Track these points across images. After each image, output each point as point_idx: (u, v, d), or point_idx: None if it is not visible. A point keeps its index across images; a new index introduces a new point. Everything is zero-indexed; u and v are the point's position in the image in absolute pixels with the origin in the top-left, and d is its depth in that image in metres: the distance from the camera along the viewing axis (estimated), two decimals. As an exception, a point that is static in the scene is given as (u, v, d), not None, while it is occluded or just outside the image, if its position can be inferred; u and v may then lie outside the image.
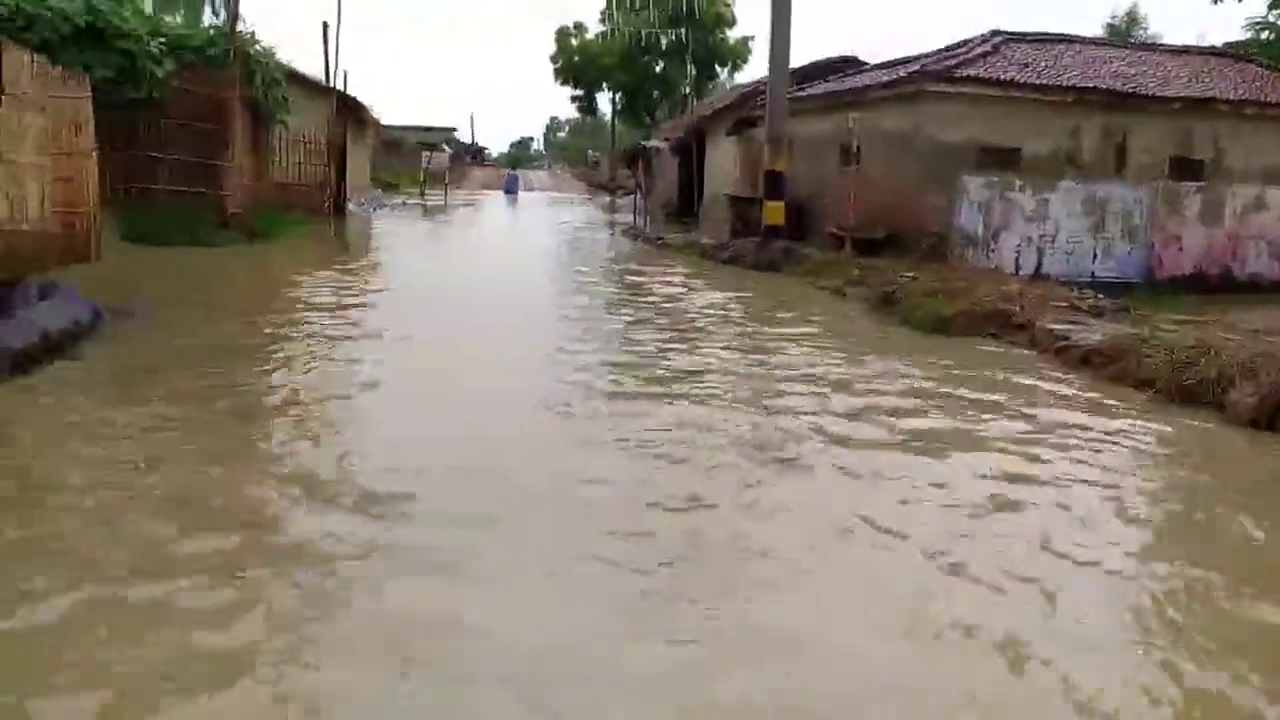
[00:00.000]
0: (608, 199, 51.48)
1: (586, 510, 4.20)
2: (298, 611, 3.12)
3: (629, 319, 9.50)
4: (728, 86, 44.29)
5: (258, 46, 16.08)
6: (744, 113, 21.51)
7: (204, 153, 14.91)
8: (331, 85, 24.43)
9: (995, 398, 6.51)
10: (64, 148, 11.28)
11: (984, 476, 4.81)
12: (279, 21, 78.20)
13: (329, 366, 6.92)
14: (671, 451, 5.03)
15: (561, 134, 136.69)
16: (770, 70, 15.46)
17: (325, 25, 24.86)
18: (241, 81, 15.57)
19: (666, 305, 10.51)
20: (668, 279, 13.05)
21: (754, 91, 22.84)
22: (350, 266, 13.78)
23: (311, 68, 24.64)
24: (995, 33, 17.41)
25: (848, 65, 21.10)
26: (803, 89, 20.30)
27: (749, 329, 9.09)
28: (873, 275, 11.66)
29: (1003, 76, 15.10)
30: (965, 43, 17.22)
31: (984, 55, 15.96)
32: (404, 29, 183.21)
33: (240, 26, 15.66)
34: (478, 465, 4.75)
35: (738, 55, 48.64)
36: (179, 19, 15.41)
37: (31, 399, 5.42)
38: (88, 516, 3.80)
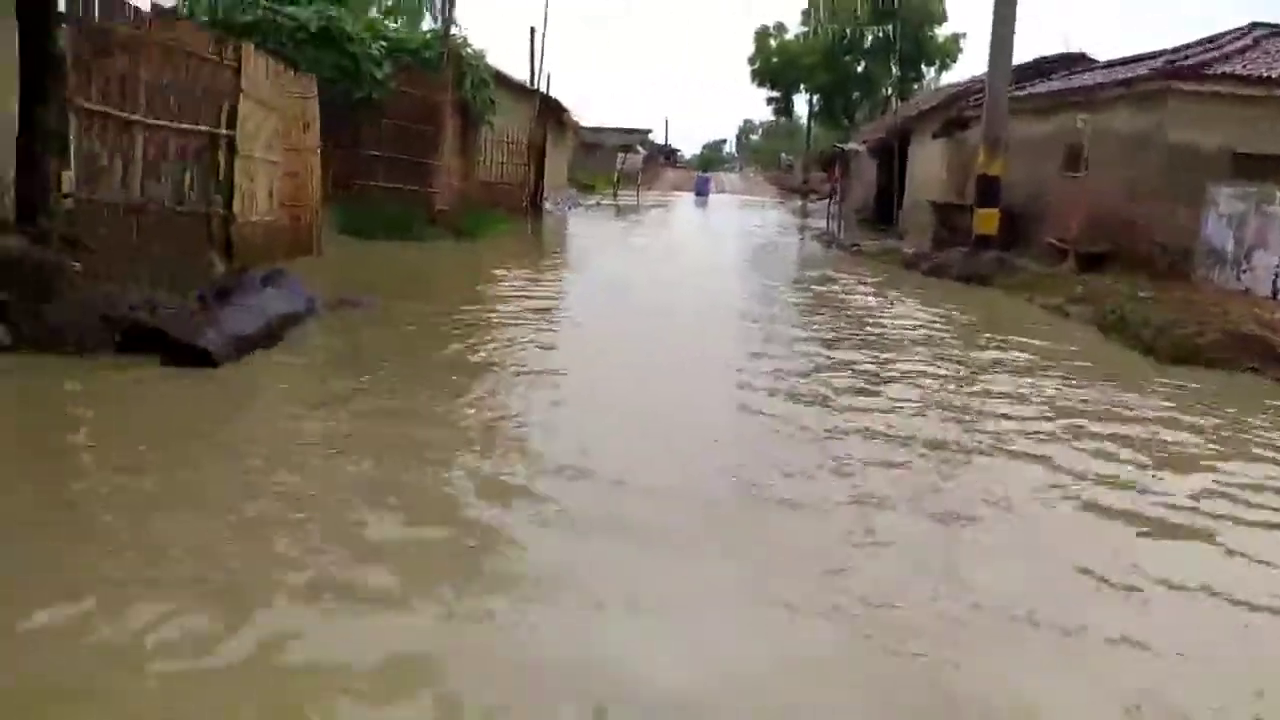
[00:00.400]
0: (799, 203, 50.43)
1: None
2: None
3: (822, 332, 8.97)
4: (933, 87, 42.18)
5: (469, 50, 16.75)
6: (954, 113, 20.22)
7: (417, 152, 15.68)
8: (535, 88, 25.25)
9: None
10: (293, 144, 12.12)
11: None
12: (486, 26, 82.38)
13: (540, 361, 6.96)
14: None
15: (755, 136, 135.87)
16: (990, 65, 14.33)
17: (532, 30, 25.76)
18: (453, 84, 16.25)
19: (864, 319, 9.86)
20: (864, 289, 12.35)
21: (965, 91, 21.45)
22: (549, 264, 14.05)
23: (516, 70, 25.63)
24: (1254, 25, 15.33)
25: (1072, 63, 19.33)
26: (1021, 87, 18.79)
27: (955, 350, 8.28)
28: (1100, 293, 10.46)
29: (1265, 74, 13.23)
30: (1217, 37, 15.28)
31: (1241, 50, 14.07)
32: (605, 32, 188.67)
33: (453, 31, 16.35)
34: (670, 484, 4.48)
35: (946, 54, 46.22)
36: (399, 23, 16.19)
37: (275, 374, 5.73)
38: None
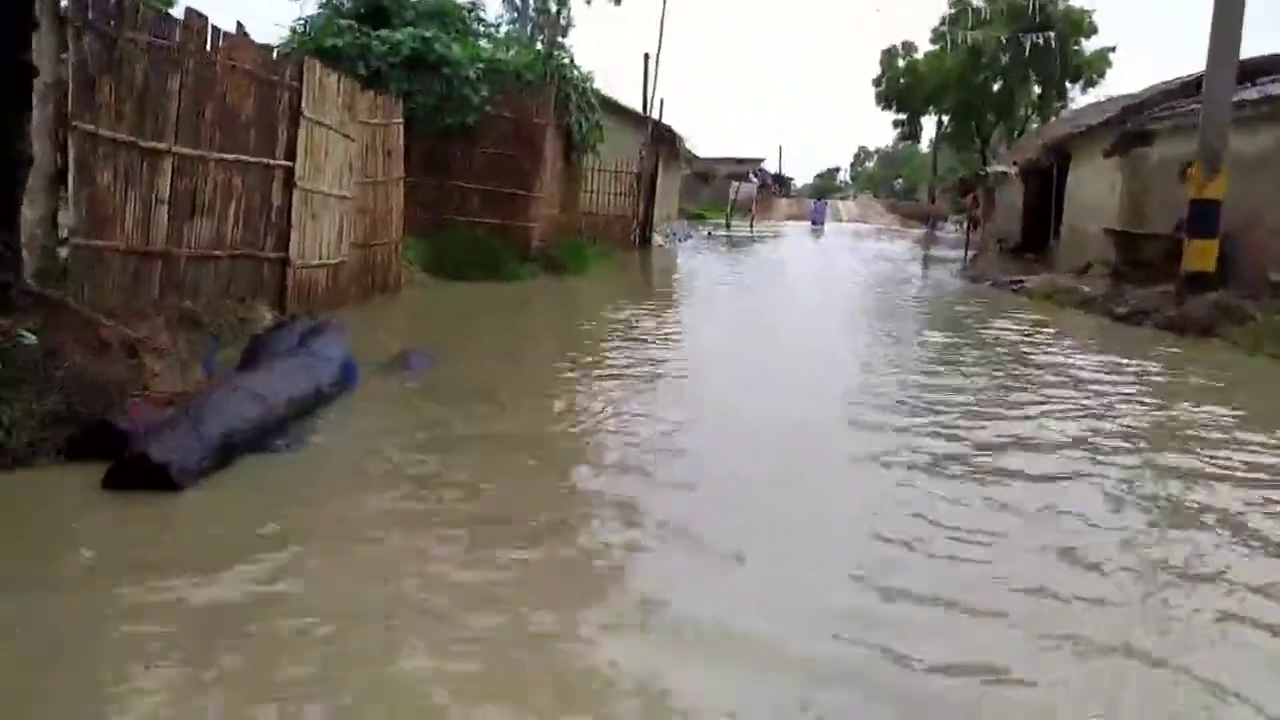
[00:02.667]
0: (921, 231, 47.13)
1: None
2: None
3: (1024, 419, 6.67)
4: (1074, 106, 38.55)
5: (575, 72, 15.15)
6: (1131, 127, 17.36)
7: (514, 182, 14.14)
8: (648, 115, 23.66)
9: None
10: (371, 176, 10.71)
11: None
12: (598, 56, 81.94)
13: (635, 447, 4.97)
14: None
15: (869, 163, 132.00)
16: (1210, 63, 11.60)
17: (646, 56, 24.28)
18: (555, 107, 14.69)
19: (1059, 392, 7.45)
20: (1042, 344, 9.80)
21: (1143, 103, 18.52)
22: (656, 310, 12.08)
23: (629, 99, 24.12)
24: None
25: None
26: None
27: (1233, 443, 5.79)
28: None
29: None
30: None
31: None
32: (719, 59, 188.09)
33: (557, 52, 14.81)
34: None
35: (1094, 69, 42.39)
36: (509, 53, 14.75)
37: (254, 511, 3.95)
38: None
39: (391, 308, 10.60)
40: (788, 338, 10.11)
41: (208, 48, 7.17)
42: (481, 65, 13.74)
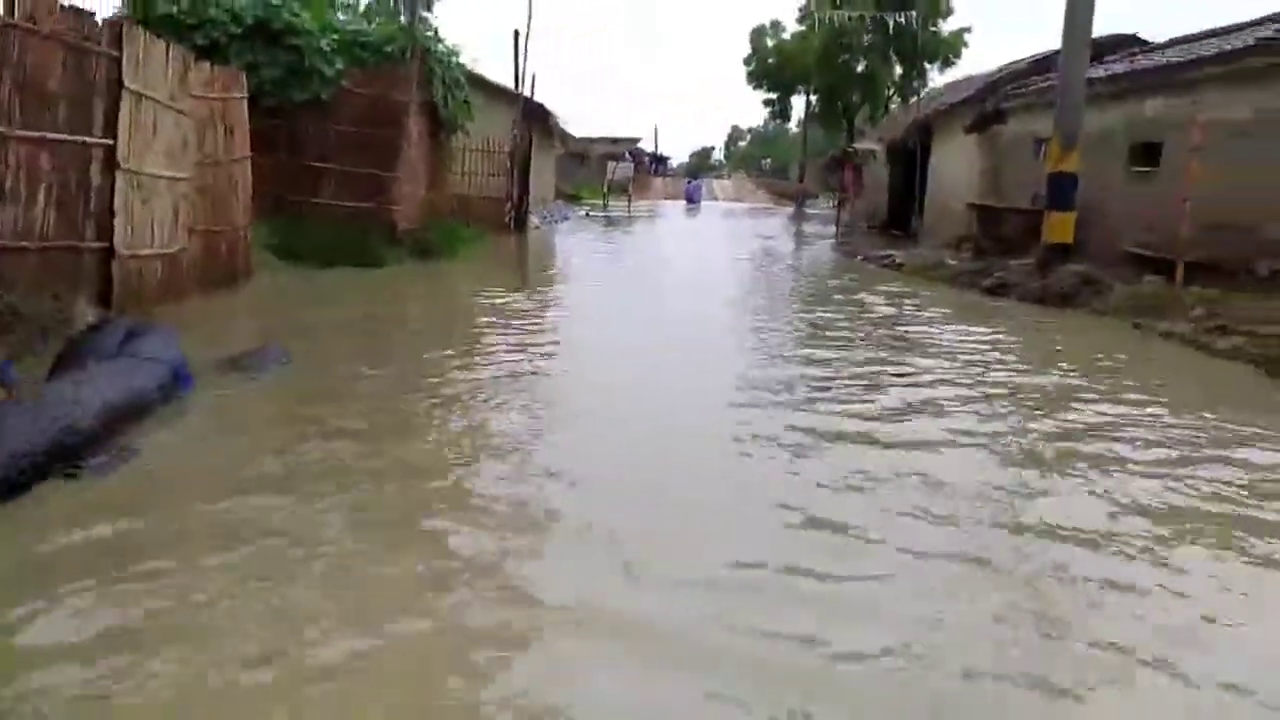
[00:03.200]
0: (792, 208, 48.12)
1: None
2: None
3: (919, 390, 6.65)
4: (934, 86, 40.00)
5: (440, 46, 14.38)
6: (989, 106, 17.98)
7: (374, 162, 13.32)
8: (519, 91, 22.97)
9: None
10: (210, 155, 9.81)
11: None
12: (468, 36, 79.70)
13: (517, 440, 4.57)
14: None
15: (743, 143, 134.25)
16: (1065, 38, 11.95)
17: (516, 33, 23.53)
18: (420, 83, 13.93)
19: (935, 363, 7.53)
20: (914, 318, 9.96)
21: (997, 81, 19.21)
22: (532, 293, 11.66)
23: (501, 76, 23.35)
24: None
25: (1126, 45, 17.09)
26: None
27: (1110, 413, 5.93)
28: (1235, 316, 8.17)
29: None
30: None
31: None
32: (593, 42, 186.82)
33: (422, 25, 14.01)
34: None
35: (951, 49, 44.10)
36: (372, 25, 13.78)
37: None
38: None
39: (240, 299, 9.77)
40: (668, 320, 9.90)
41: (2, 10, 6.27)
42: (336, 36, 12.84)
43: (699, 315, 10.36)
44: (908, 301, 11.07)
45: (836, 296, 12.11)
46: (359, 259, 12.67)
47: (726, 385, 6.46)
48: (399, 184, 13.67)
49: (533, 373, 6.76)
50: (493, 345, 7.87)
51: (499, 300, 10.89)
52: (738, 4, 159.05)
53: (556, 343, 8.14)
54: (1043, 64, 19.02)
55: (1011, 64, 20.17)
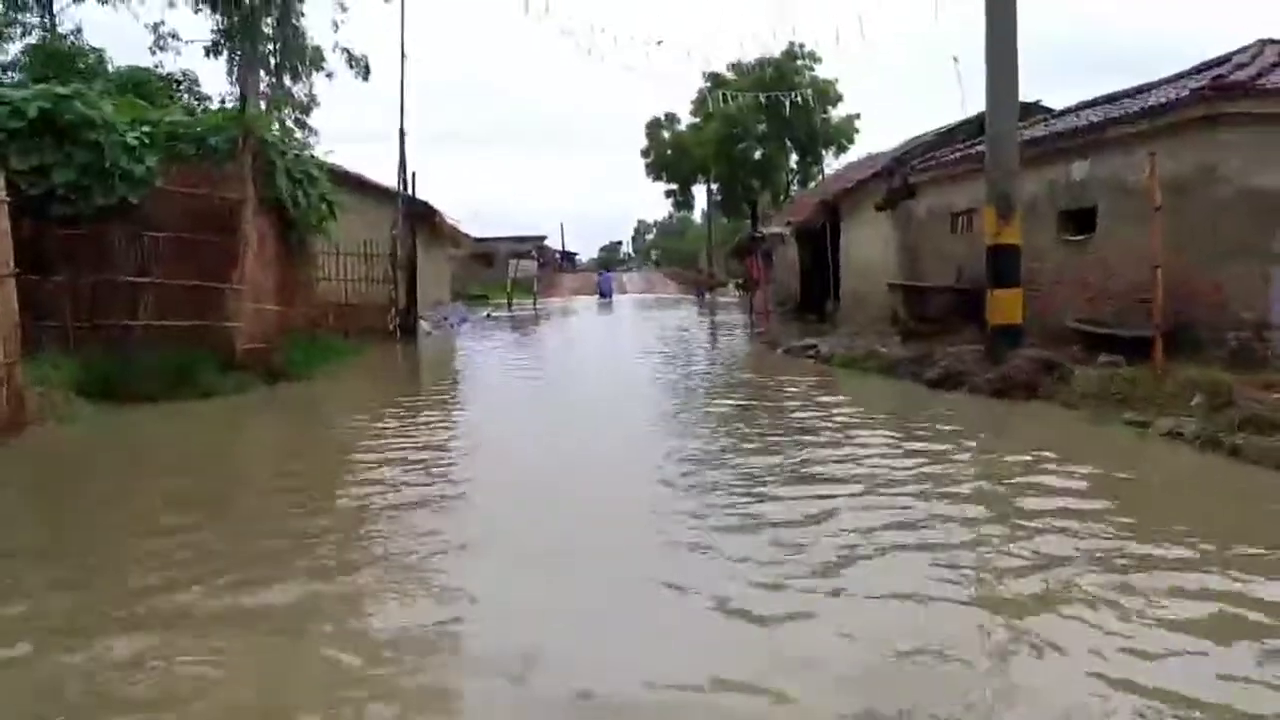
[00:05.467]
0: (702, 297, 47.13)
1: None
2: None
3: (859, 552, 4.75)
4: (832, 169, 40.09)
5: (273, 133, 12.37)
6: (897, 181, 16.97)
7: (204, 273, 11.13)
8: (400, 190, 21.19)
9: None
10: (-58, 277, 7.56)
11: None
12: (358, 139, 78.16)
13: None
14: None
15: (649, 235, 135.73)
16: (990, 103, 10.67)
17: (402, 131, 21.96)
18: (258, 178, 11.92)
19: (907, 502, 5.68)
20: (858, 433, 8.05)
21: (906, 155, 18.36)
22: (406, 416, 9.49)
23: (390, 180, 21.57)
24: (1265, 42, 12.53)
25: (1032, 113, 16.36)
26: (970, 145, 15.75)
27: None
28: (1248, 405, 6.64)
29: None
30: (1223, 58, 12.37)
31: (1273, 66, 11.05)
32: (497, 142, 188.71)
33: (258, 109, 12.07)
34: None
35: (843, 135, 44.73)
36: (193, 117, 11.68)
37: None
38: None
39: (6, 457, 7.37)
40: (574, 450, 7.80)
41: None
42: (147, 129, 10.79)
43: (599, 421, 8.38)
44: (852, 407, 9.20)
45: (764, 398, 10.29)
46: (186, 390, 10.37)
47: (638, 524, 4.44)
48: (236, 297, 11.48)
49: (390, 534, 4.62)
50: (310, 498, 5.70)
51: (353, 426, 8.73)
52: (634, 99, 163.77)
53: (422, 499, 6.00)
54: (948, 136, 18.32)
55: (916, 138, 19.47)
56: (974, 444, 7.21)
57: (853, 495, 5.61)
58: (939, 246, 15.83)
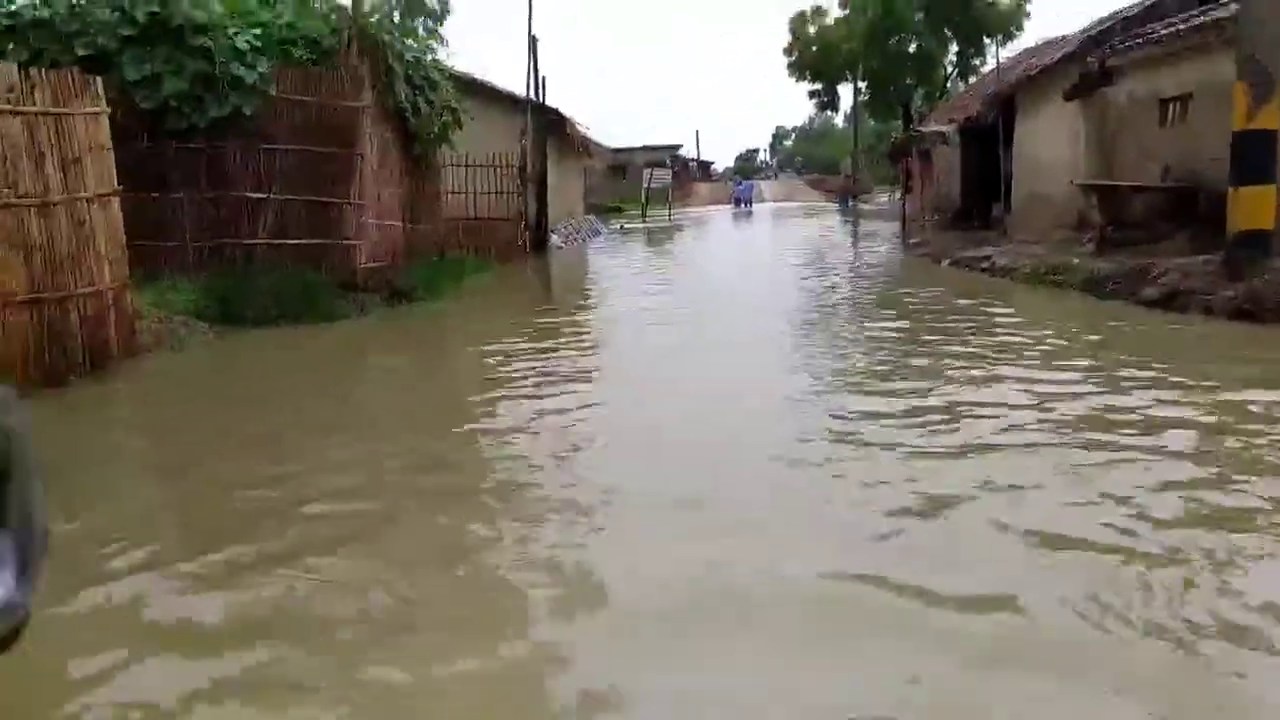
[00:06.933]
0: (847, 204, 44.21)
1: None
2: None
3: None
4: (993, 64, 35.98)
5: (390, 36, 11.33)
6: (1092, 64, 14.50)
7: (323, 188, 10.50)
8: (529, 99, 20.14)
9: None
10: (35, 193, 7.13)
11: None
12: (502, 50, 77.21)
13: None
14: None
15: (788, 142, 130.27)
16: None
17: (532, 39, 20.76)
18: (378, 85, 11.10)
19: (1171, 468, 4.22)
20: (1129, 372, 6.20)
21: (1103, 32, 15.72)
22: (530, 346, 8.54)
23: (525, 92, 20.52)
24: None
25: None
26: (1189, 18, 13.13)
27: None
28: None
29: None
30: None
31: None
32: (635, 50, 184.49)
33: (364, 12, 11.11)
34: None
35: (1010, 22, 40.17)
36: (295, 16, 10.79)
37: None
38: None
39: (112, 391, 6.98)
40: (721, 390, 6.62)
41: None
42: (258, 31, 10.08)
43: (744, 346, 7.23)
44: (1062, 334, 7.47)
45: (935, 322, 8.79)
46: (307, 314, 9.89)
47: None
48: (356, 213, 10.84)
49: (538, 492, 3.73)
50: (425, 448, 4.88)
51: (482, 354, 7.96)
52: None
53: (563, 448, 5.08)
54: (1155, 9, 15.52)
55: (1114, 13, 16.64)
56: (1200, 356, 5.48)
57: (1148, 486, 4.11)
58: (1142, 141, 13.45)
